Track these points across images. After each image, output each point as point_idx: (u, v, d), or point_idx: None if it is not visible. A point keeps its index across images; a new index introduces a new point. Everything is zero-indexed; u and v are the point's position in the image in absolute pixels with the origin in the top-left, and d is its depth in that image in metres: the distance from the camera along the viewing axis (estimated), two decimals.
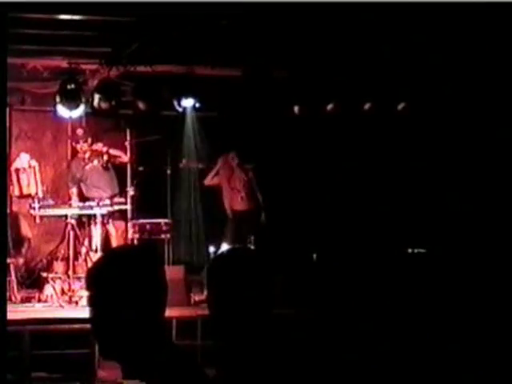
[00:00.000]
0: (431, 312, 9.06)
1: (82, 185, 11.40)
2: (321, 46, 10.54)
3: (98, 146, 11.37)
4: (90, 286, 2.54)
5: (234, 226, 12.01)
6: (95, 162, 11.39)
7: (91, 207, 10.85)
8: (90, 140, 11.43)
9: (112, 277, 2.48)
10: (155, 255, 2.68)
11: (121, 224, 11.24)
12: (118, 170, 11.63)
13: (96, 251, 10.74)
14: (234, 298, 2.70)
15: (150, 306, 2.51)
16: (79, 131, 11.55)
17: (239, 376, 2.65)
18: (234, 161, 12.04)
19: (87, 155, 11.38)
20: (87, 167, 11.40)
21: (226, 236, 11.90)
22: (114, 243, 11.02)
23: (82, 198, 11.29)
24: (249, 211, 12.01)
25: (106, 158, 11.37)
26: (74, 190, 11.28)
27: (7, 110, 10.14)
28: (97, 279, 2.51)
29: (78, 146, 11.48)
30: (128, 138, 11.46)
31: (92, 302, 2.51)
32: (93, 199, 11.08)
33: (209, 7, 8.81)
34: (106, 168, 11.44)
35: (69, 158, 12.27)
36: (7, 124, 10.45)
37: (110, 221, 11.12)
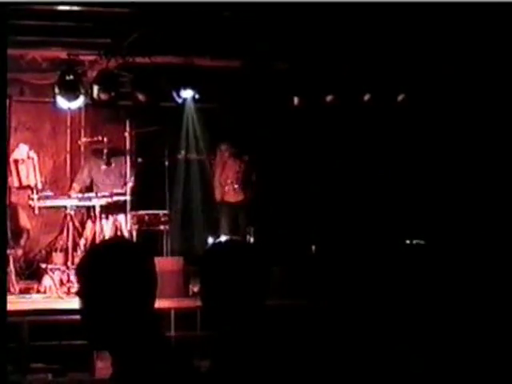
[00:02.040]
0: (430, 304, 9.07)
1: (93, 184, 11.46)
2: (320, 37, 10.56)
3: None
4: (79, 278, 2.58)
5: (226, 216, 12.02)
6: (113, 165, 11.39)
7: (90, 198, 10.83)
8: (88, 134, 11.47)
9: (101, 268, 2.50)
10: (145, 247, 2.70)
11: (119, 215, 11.19)
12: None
13: (95, 242, 10.63)
14: (226, 289, 2.71)
15: (139, 298, 2.52)
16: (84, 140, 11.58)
17: (233, 367, 2.66)
18: (226, 152, 12.02)
19: (104, 157, 11.36)
20: (103, 168, 11.41)
21: (220, 227, 11.95)
22: (113, 234, 11.01)
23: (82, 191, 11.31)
24: (241, 203, 11.98)
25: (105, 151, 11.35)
26: (75, 186, 11.35)
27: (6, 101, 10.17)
28: (86, 271, 2.54)
29: (80, 142, 11.56)
30: (127, 128, 11.35)
31: (81, 293, 2.54)
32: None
33: None
34: (108, 163, 11.41)
35: (68, 149, 12.32)
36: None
37: (109, 212, 11.08)
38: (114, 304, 2.48)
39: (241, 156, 11.96)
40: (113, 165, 11.42)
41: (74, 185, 11.46)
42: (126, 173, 11.39)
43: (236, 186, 11.94)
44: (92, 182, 11.49)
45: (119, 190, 11.20)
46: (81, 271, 2.57)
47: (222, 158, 12.06)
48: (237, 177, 11.95)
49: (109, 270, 2.49)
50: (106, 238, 10.49)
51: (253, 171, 11.97)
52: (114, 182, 11.40)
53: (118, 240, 3.41)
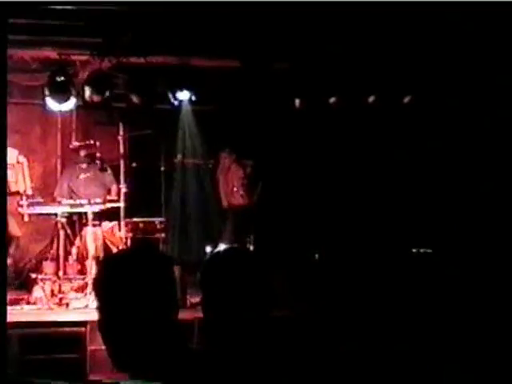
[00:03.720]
0: (437, 314, 9.08)
1: (72, 194, 11.43)
2: (323, 36, 10.55)
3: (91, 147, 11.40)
4: (99, 292, 2.52)
5: (233, 222, 12.12)
6: (91, 173, 11.42)
7: (82, 205, 10.78)
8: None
9: (124, 282, 2.47)
10: (164, 255, 2.67)
11: (113, 223, 11.22)
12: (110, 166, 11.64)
13: (87, 251, 10.73)
14: (229, 300, 2.70)
15: (165, 309, 2.51)
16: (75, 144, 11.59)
17: (236, 381, 2.65)
18: (230, 157, 12.13)
19: (84, 165, 11.42)
20: (81, 177, 11.43)
21: (224, 233, 12.03)
22: (107, 243, 11.04)
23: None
24: (247, 207, 12.10)
25: (98, 155, 11.38)
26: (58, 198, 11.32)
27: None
28: (107, 284, 2.50)
29: (71, 146, 11.57)
30: (121, 132, 11.39)
31: (103, 308, 2.49)
32: None
33: None
34: (102, 169, 11.47)
35: (58, 153, 12.33)
36: None
37: (102, 219, 11.08)
38: (141, 317, 2.45)
39: (244, 161, 12.09)
40: (91, 173, 11.44)
41: (58, 196, 11.39)
42: (107, 181, 11.48)
43: (241, 192, 12.06)
44: (73, 192, 11.46)
45: (112, 197, 11.22)
46: (101, 285, 2.52)
47: (225, 164, 12.18)
48: (241, 183, 12.08)
49: (133, 281, 2.45)
50: (112, 249, 10.67)
51: (257, 176, 12.06)
52: (94, 191, 11.38)
53: (138, 248, 3.29)
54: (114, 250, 10.97)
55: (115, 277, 2.48)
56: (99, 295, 2.52)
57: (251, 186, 12.10)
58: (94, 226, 10.85)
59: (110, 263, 2.61)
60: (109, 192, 11.50)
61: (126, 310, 2.44)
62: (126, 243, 11.13)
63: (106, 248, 11.01)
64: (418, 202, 12.40)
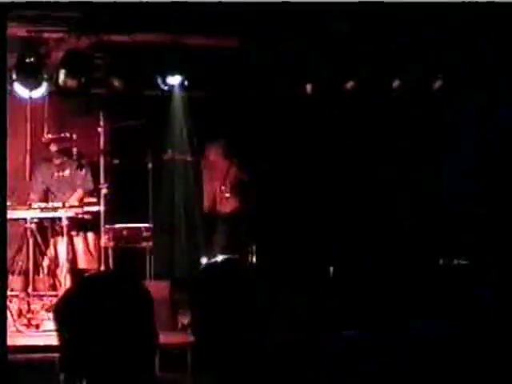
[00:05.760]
0: (477, 338, 8.95)
1: (50, 195, 11.46)
2: (339, 11, 10.45)
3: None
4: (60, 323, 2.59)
5: (223, 232, 12.09)
6: (67, 171, 11.42)
7: (55, 209, 10.78)
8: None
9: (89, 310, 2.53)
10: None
11: (92, 229, 11.23)
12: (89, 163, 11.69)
13: (61, 263, 10.71)
14: (224, 320, 2.68)
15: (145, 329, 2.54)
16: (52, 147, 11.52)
17: None
18: (216, 150, 12.14)
19: (58, 161, 11.41)
20: (56, 175, 11.46)
21: (215, 245, 12.00)
22: (84, 253, 11.09)
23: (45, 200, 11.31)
24: (237, 213, 12.11)
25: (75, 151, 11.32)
26: (33, 197, 11.32)
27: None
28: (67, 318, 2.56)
29: (43, 139, 11.51)
30: (101, 123, 11.38)
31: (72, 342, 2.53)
32: None
33: None
34: (79, 166, 11.43)
35: (28, 148, 12.26)
36: None
37: (79, 225, 11.09)
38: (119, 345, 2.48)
39: (234, 156, 12.08)
40: (67, 171, 11.46)
41: (32, 196, 11.38)
42: (86, 180, 11.54)
43: (228, 195, 12.09)
44: (48, 190, 11.52)
45: (90, 199, 11.19)
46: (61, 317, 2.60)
47: (210, 157, 12.22)
48: (229, 182, 12.08)
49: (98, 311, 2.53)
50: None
51: (251, 175, 12.08)
52: (69, 190, 11.42)
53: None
54: (92, 262, 11.21)
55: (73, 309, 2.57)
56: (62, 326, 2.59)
57: (242, 188, 12.08)
58: (69, 233, 10.84)
59: (67, 296, 2.68)
60: (84, 194, 11.47)
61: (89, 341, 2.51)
62: (106, 253, 11.19)
63: (84, 259, 11.11)
64: (449, 204, 12.47)
